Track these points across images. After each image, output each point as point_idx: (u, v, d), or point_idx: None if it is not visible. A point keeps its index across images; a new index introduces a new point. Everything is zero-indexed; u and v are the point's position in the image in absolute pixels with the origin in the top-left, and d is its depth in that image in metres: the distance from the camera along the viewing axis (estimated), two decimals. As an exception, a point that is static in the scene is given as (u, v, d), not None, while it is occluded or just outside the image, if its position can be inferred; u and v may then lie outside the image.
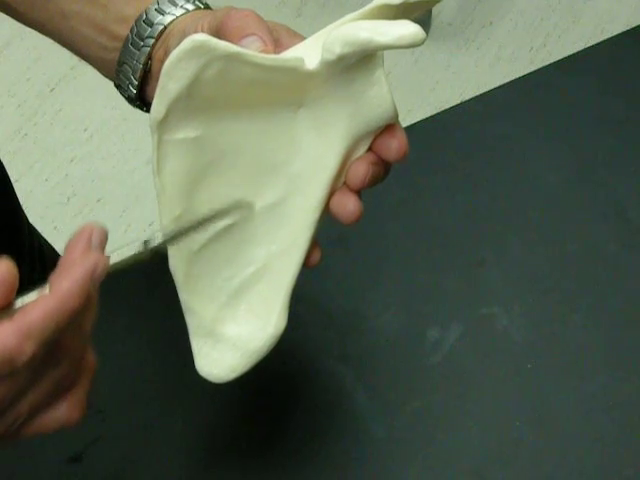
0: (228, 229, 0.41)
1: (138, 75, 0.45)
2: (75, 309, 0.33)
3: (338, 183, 0.41)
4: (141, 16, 0.44)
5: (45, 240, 0.75)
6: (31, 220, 0.71)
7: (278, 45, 0.40)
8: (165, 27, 0.44)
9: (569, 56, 0.68)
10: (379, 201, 0.61)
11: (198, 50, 0.36)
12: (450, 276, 0.58)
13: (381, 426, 0.53)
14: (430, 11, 1.59)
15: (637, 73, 0.67)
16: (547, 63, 0.68)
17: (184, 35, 0.42)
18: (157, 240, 0.36)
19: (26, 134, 1.50)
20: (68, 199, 1.42)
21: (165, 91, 0.37)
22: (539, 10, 1.63)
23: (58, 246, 0.73)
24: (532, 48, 1.58)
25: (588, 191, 0.62)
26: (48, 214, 1.37)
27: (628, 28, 0.70)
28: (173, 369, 0.55)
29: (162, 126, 0.38)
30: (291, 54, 0.39)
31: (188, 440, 0.53)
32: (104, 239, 0.35)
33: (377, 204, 0.62)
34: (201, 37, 0.36)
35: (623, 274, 0.58)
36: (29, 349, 0.32)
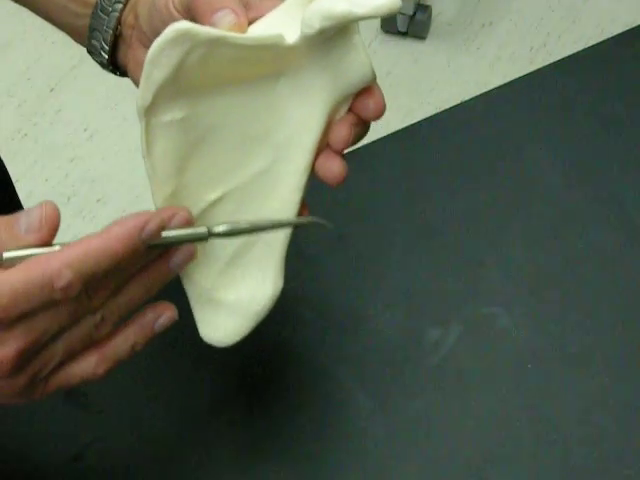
0: (219, 200, 0.42)
1: (109, 40, 0.46)
2: (117, 253, 0.35)
3: (322, 145, 0.42)
4: None
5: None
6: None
7: (248, 9, 0.41)
8: None
9: (569, 56, 0.68)
10: (379, 201, 0.61)
11: (181, 38, 0.37)
12: (450, 276, 0.58)
13: (381, 426, 0.53)
14: (430, 11, 1.59)
15: (637, 73, 0.68)
16: (547, 63, 0.68)
17: (153, 4, 0.43)
18: (219, 229, 0.38)
19: (26, 134, 1.50)
20: (68, 199, 1.42)
21: (150, 79, 0.38)
22: (539, 10, 1.63)
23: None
24: (532, 48, 1.58)
25: (588, 191, 0.62)
26: (48, 214, 1.37)
27: (628, 28, 0.70)
28: (173, 369, 0.55)
29: (149, 111, 0.39)
30: (267, 24, 0.40)
31: (188, 440, 0.53)
32: (182, 224, 0.37)
33: (377, 204, 0.62)
34: (182, 25, 0.37)
35: (623, 274, 0.58)
36: (67, 276, 0.34)
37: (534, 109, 0.66)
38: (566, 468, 0.51)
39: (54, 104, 1.53)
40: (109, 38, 0.46)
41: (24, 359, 0.36)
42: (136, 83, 0.47)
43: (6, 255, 0.35)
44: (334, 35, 0.39)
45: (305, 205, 0.44)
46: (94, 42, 0.47)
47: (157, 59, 0.38)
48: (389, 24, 1.56)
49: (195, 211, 0.42)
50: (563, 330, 0.56)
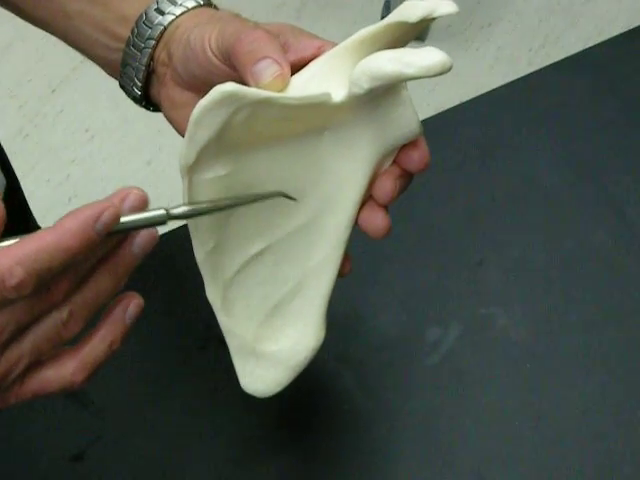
0: (260, 253, 0.42)
1: (141, 76, 0.45)
2: (72, 248, 0.33)
3: (365, 197, 0.41)
4: (141, 16, 0.44)
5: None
6: (32, 221, 0.71)
7: (286, 49, 0.40)
8: (165, 27, 0.44)
9: (568, 57, 0.69)
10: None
11: (227, 100, 0.36)
12: (450, 276, 0.58)
13: (381, 426, 0.53)
14: (430, 12, 1.59)
15: (636, 74, 0.68)
16: (546, 64, 0.68)
17: (188, 44, 0.42)
18: (178, 210, 0.36)
19: (27, 135, 1.50)
20: (69, 200, 1.42)
21: (194, 139, 0.37)
22: (538, 11, 1.63)
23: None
24: (531, 49, 1.58)
25: (587, 191, 0.62)
26: (50, 215, 1.37)
27: (626, 29, 0.70)
28: (173, 369, 0.56)
29: (192, 170, 0.38)
30: (310, 75, 0.39)
31: (188, 440, 0.53)
32: (137, 204, 0.35)
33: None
34: (230, 87, 0.36)
35: (622, 274, 0.58)
36: (19, 273, 0.32)
37: (533, 110, 0.66)
38: (566, 468, 0.52)
39: (55, 105, 1.53)
40: (142, 74, 0.45)
41: None
42: (170, 121, 0.46)
43: None
44: (381, 92, 0.38)
45: (348, 257, 0.43)
46: (126, 78, 0.46)
47: (202, 120, 0.37)
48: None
49: (236, 264, 0.41)
50: (562, 330, 0.56)
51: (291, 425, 0.53)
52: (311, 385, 0.55)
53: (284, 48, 0.40)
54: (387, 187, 0.40)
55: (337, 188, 0.41)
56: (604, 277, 0.58)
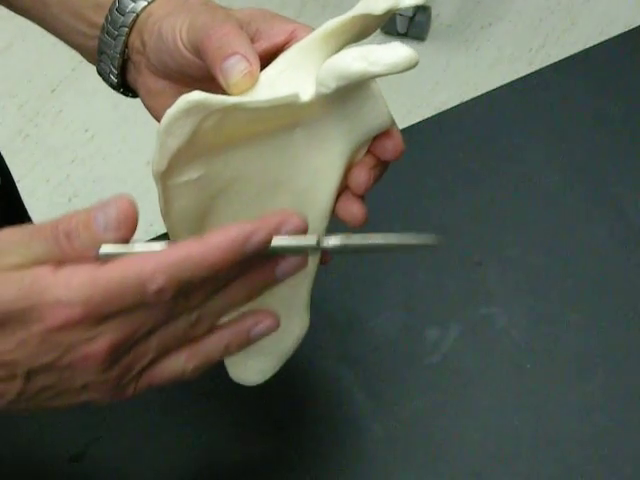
0: None
1: (117, 64, 0.45)
2: (217, 264, 0.33)
3: (341, 187, 0.42)
4: (114, 3, 0.44)
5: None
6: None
7: (258, 37, 0.40)
8: (137, 15, 0.44)
9: (568, 57, 0.69)
10: (379, 201, 0.61)
11: (195, 108, 0.36)
12: (450, 276, 0.58)
13: (381, 426, 0.53)
14: (429, 12, 1.59)
15: (636, 74, 0.68)
16: (546, 64, 0.68)
17: (160, 36, 0.42)
18: (329, 242, 0.36)
19: (27, 135, 1.50)
20: (69, 200, 1.42)
21: (165, 147, 0.37)
22: (538, 11, 1.63)
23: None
24: (531, 49, 1.58)
25: (587, 191, 0.62)
26: (49, 215, 1.37)
27: (627, 30, 0.70)
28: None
29: (165, 175, 0.38)
30: (278, 71, 0.39)
31: (188, 440, 0.53)
32: (294, 232, 0.34)
33: (377, 204, 0.62)
34: (196, 97, 0.36)
35: (622, 274, 0.58)
36: (160, 281, 0.33)
37: (533, 110, 0.66)
38: (566, 468, 0.52)
39: (55, 105, 1.53)
40: (117, 62, 0.45)
41: (116, 354, 0.35)
42: (147, 108, 0.46)
43: (102, 251, 0.34)
44: (350, 88, 0.38)
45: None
46: (103, 65, 0.46)
47: (170, 129, 0.37)
48: (389, 25, 1.56)
49: None
50: (562, 330, 0.56)
51: (291, 425, 0.53)
52: (311, 385, 0.55)
53: (256, 35, 0.41)
54: (362, 177, 0.41)
55: (313, 181, 0.41)
56: (604, 277, 0.58)
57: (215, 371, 0.55)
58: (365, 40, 0.41)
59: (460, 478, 0.51)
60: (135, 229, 0.34)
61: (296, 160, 0.41)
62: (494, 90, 0.67)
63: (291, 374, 0.55)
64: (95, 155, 1.47)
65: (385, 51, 0.36)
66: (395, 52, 0.36)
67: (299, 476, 0.52)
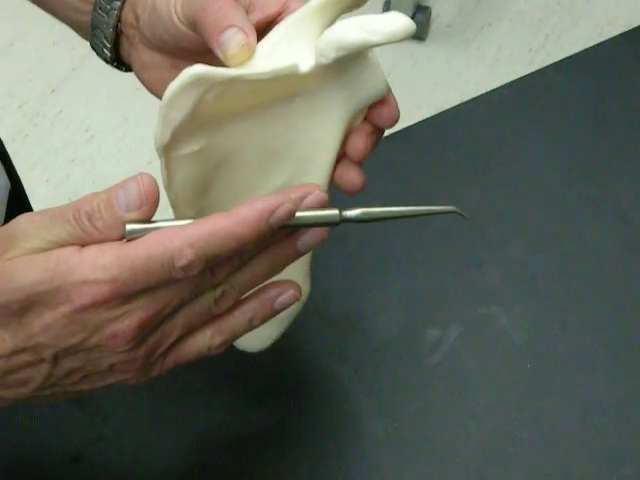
0: None
1: (110, 38, 0.46)
2: (244, 237, 0.34)
3: (339, 155, 0.42)
4: None
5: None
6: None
7: (252, 9, 0.41)
8: None
9: (568, 57, 0.69)
10: (379, 201, 0.61)
11: (197, 82, 0.37)
12: (450, 276, 0.58)
13: (381, 426, 0.53)
14: (429, 12, 1.59)
15: (636, 74, 0.68)
16: (546, 64, 0.68)
17: (155, 10, 0.42)
18: (352, 213, 0.38)
19: (27, 135, 1.50)
20: (69, 200, 1.42)
21: (168, 120, 0.38)
22: (538, 11, 1.64)
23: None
24: (531, 49, 1.58)
25: (587, 191, 0.62)
26: (49, 215, 1.37)
27: (627, 29, 0.70)
28: (173, 368, 0.55)
29: (167, 148, 0.39)
30: (275, 42, 0.40)
31: (188, 440, 0.53)
32: (315, 205, 0.36)
33: (377, 204, 0.62)
34: (199, 70, 0.37)
35: (622, 274, 0.58)
36: (189, 255, 0.33)
37: (533, 110, 0.66)
38: (566, 468, 0.52)
39: (55, 105, 1.53)
40: (110, 36, 0.46)
41: (144, 333, 0.35)
42: (142, 82, 0.46)
43: (129, 227, 0.34)
44: (348, 57, 0.39)
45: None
46: (96, 40, 0.47)
47: (173, 102, 0.37)
48: (389, 25, 1.56)
49: None
50: (562, 330, 0.56)
51: (291, 425, 0.53)
52: (311, 385, 0.55)
53: (250, 7, 0.41)
54: (360, 144, 0.41)
55: (312, 150, 0.42)
56: (604, 277, 0.58)
57: (218, 372, 0.55)
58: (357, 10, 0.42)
59: (460, 478, 0.51)
60: (157, 206, 0.34)
61: (296, 129, 0.41)
62: (494, 90, 0.67)
63: (291, 373, 0.55)
64: (95, 155, 1.47)
65: (384, 20, 0.37)
66: (393, 21, 0.37)
67: (299, 476, 0.52)
